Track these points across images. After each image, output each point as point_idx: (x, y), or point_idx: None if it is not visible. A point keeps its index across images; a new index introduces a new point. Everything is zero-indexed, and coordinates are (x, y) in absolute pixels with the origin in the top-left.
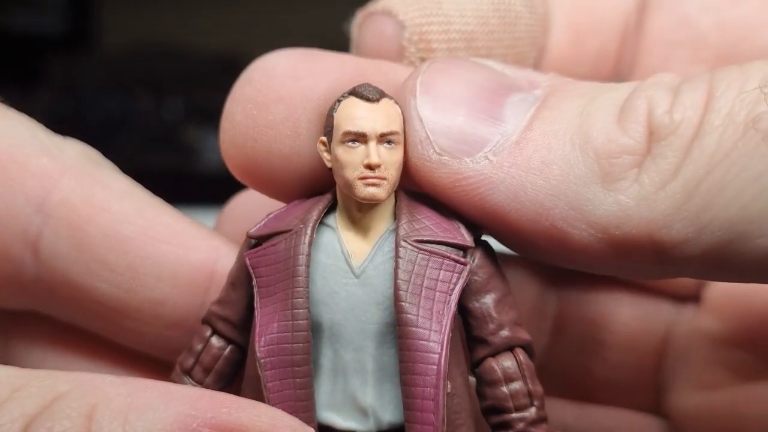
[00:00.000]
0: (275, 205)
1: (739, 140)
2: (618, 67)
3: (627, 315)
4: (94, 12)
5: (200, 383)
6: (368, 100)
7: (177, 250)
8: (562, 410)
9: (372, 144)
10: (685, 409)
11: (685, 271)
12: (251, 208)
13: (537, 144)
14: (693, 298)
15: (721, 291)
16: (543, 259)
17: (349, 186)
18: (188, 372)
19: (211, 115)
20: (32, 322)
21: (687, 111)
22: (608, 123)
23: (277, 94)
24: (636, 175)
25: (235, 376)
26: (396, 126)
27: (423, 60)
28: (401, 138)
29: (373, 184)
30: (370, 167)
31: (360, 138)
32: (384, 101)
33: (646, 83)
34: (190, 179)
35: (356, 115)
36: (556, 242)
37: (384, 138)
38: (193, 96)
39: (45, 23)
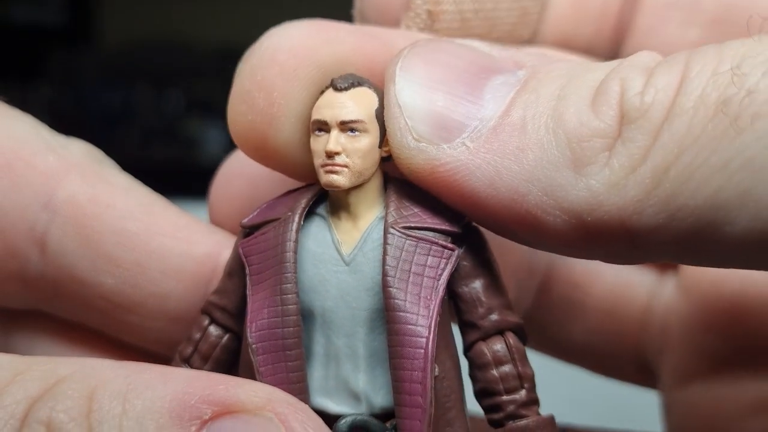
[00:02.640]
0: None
1: (708, 123)
2: (619, 27)
3: (609, 280)
4: (95, 5)
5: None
6: (337, 89)
7: (181, 245)
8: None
9: (334, 132)
10: (670, 402)
11: (659, 256)
12: (244, 172)
13: (513, 129)
14: (673, 267)
15: (693, 274)
16: (520, 242)
17: (317, 174)
18: (187, 360)
19: (211, 107)
20: (34, 321)
21: (659, 93)
22: (582, 106)
23: (304, 82)
24: (606, 159)
25: (233, 364)
26: (361, 114)
27: (430, 13)
28: (368, 126)
29: (333, 171)
30: (328, 154)
31: (323, 126)
32: (354, 90)
33: (624, 63)
34: (190, 171)
35: (322, 105)
36: (531, 228)
37: (346, 126)
38: (193, 89)
39: (46, 16)
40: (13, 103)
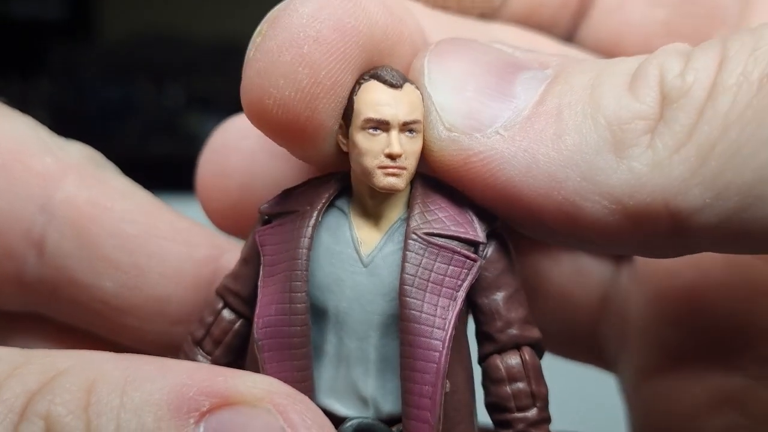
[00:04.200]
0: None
1: (753, 98)
2: (583, 2)
3: (566, 268)
4: (95, 0)
5: (210, 355)
6: (392, 86)
7: (181, 248)
8: None
9: (394, 133)
10: (632, 397)
11: (700, 242)
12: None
13: (549, 116)
14: (627, 258)
15: (648, 265)
16: (554, 239)
17: (367, 174)
18: (199, 343)
19: (211, 102)
20: (31, 324)
21: (699, 73)
22: (619, 91)
23: (351, 65)
24: (649, 140)
25: (244, 350)
26: (418, 114)
27: None
28: (422, 126)
29: (393, 174)
30: (391, 157)
31: (382, 126)
32: (407, 87)
33: (657, 52)
34: (190, 166)
35: (379, 102)
36: (568, 217)
37: (406, 127)
38: (193, 84)
39: (45, 11)
40: (13, 98)
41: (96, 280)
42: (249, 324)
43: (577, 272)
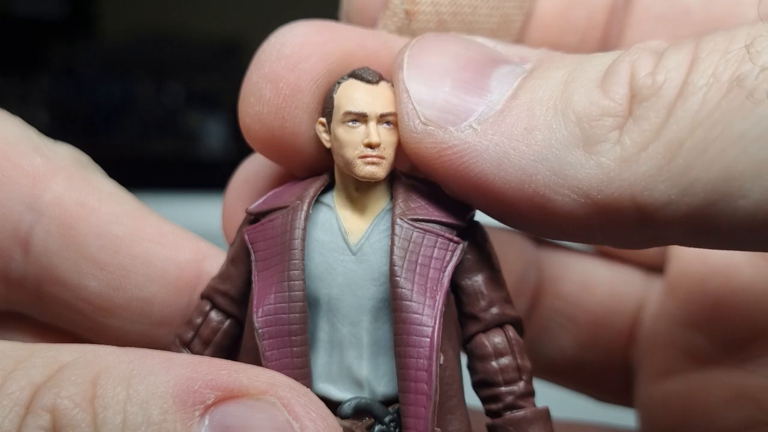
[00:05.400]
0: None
1: (722, 99)
2: (605, 39)
3: (600, 293)
4: None
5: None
6: (368, 82)
7: (165, 251)
8: None
9: (372, 124)
10: (645, 396)
11: (668, 235)
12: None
13: (521, 111)
14: (660, 269)
15: (679, 270)
16: (527, 229)
17: (349, 165)
18: (187, 345)
19: (211, 100)
20: (13, 324)
21: (670, 72)
22: (591, 87)
23: (311, 74)
24: (617, 137)
25: (233, 350)
26: (393, 107)
27: (407, 13)
28: (397, 119)
29: (373, 163)
30: (370, 146)
31: (360, 118)
32: (382, 84)
33: (631, 49)
34: (189, 164)
35: (357, 96)
36: (539, 210)
37: (383, 118)
38: (193, 81)
39: (46, 9)
40: (13, 95)
41: (80, 279)
42: (238, 324)
43: (611, 297)
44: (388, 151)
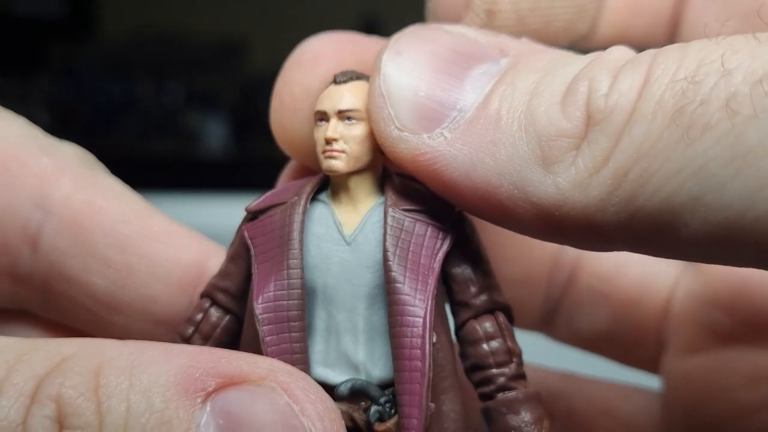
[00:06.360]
0: None
1: (665, 131)
2: (673, 19)
3: (635, 273)
4: None
5: None
6: (336, 83)
7: (170, 250)
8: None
9: (333, 121)
10: (670, 370)
11: (626, 248)
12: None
13: (488, 122)
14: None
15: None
16: (500, 226)
17: (319, 160)
18: (188, 340)
19: (211, 100)
20: (20, 322)
21: (621, 96)
22: (552, 103)
23: (322, 79)
24: (573, 158)
25: (232, 345)
26: (357, 104)
27: (489, 12)
28: (365, 115)
29: (331, 156)
30: (327, 141)
31: (324, 116)
32: (353, 83)
33: (596, 60)
34: (190, 164)
35: (323, 96)
36: (504, 217)
37: (343, 115)
38: (193, 81)
39: (46, 9)
40: (13, 95)
41: (87, 277)
42: (237, 320)
43: (645, 277)
44: (349, 145)
